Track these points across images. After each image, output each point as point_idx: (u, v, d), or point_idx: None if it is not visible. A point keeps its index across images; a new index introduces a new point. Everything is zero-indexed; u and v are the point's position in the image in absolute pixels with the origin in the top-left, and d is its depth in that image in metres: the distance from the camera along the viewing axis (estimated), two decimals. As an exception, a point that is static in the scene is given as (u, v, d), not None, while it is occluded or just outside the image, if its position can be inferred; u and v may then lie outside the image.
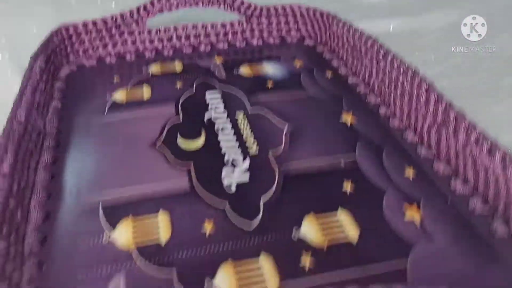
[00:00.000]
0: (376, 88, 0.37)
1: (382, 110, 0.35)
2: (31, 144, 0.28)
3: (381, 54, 0.35)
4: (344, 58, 0.42)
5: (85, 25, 0.41)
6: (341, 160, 0.30)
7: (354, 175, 0.28)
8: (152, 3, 0.41)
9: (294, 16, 0.45)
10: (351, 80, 0.39)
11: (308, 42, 0.46)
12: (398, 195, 0.27)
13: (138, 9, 0.42)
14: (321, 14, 0.44)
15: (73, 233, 0.25)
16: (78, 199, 0.27)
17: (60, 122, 0.33)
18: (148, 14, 0.42)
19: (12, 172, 0.24)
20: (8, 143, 0.25)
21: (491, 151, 0.25)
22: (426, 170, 0.29)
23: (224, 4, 0.43)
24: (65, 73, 0.40)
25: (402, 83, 0.33)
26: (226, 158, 0.30)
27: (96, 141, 0.31)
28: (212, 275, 0.22)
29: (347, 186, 0.28)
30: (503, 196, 0.25)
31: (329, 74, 0.40)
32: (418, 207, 0.26)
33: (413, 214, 0.26)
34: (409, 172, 0.29)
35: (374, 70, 0.37)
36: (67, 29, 0.40)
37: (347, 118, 0.34)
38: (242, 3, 0.44)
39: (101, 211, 0.26)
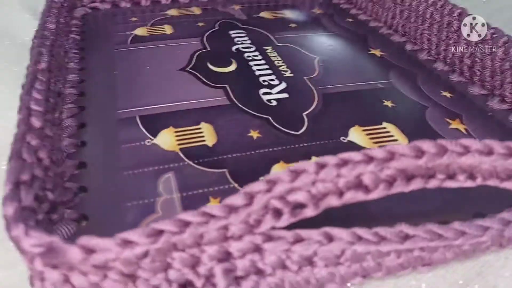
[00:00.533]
0: (400, 28, 0.36)
1: (409, 46, 0.35)
2: (60, 58, 0.27)
3: (407, -9, 0.35)
4: (363, 6, 0.41)
5: (100, -35, 0.40)
6: (377, 85, 0.29)
7: (393, 95, 0.28)
8: None
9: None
10: (372, 24, 0.39)
11: (324, -5, 0.46)
12: (440, 110, 0.27)
13: (154, -48, 0.41)
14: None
15: (112, 139, 0.23)
16: (112, 111, 0.25)
17: (81, 51, 0.32)
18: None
19: (48, 69, 0.22)
20: (43, 44, 0.23)
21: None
22: (462, 93, 0.29)
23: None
24: (79, 14, 0.38)
25: (431, 14, 0.32)
26: (261, 79, 0.29)
27: (123, 65, 0.30)
28: (265, 174, 0.21)
29: (388, 103, 0.27)
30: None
31: (349, 19, 0.40)
32: (461, 121, 0.26)
33: (457, 126, 0.25)
34: (446, 94, 0.29)
35: (397, 10, 0.36)
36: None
37: (375, 52, 0.34)
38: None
39: (139, 121, 0.25)
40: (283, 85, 0.28)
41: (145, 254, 0.14)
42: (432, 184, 0.16)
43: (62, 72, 0.27)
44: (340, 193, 0.15)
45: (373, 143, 0.24)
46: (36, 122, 0.18)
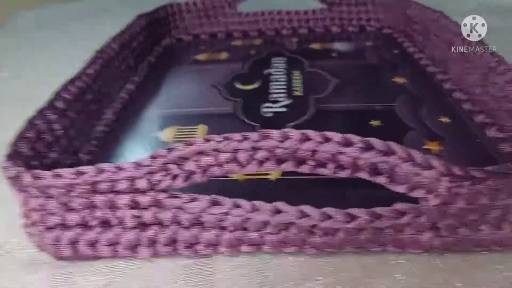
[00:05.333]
0: (435, 58, 0.37)
1: (438, 77, 0.35)
2: (119, 71, 0.35)
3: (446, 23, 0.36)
4: (415, 38, 0.42)
5: (187, 4, 0.49)
6: (375, 107, 0.31)
7: (386, 116, 0.30)
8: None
9: (374, 4, 0.48)
10: (416, 56, 0.40)
11: (386, 30, 0.47)
12: (424, 132, 0.27)
13: (231, -7, 0.48)
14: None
15: (132, 132, 0.30)
16: (143, 111, 0.32)
17: (150, 69, 0.40)
18: (239, -2, 0.48)
19: (95, 75, 0.30)
20: (98, 57, 0.32)
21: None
22: (465, 120, 0.29)
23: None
24: (165, 43, 0.47)
25: (457, 47, 0.33)
26: (271, 96, 0.33)
27: (170, 79, 0.38)
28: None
29: (375, 123, 0.29)
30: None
31: (397, 51, 0.41)
32: (440, 143, 0.26)
33: (432, 147, 0.26)
34: (444, 119, 0.29)
35: (438, 42, 0.37)
36: (171, 6, 0.48)
37: (398, 80, 0.35)
38: (324, -10, 0.47)
39: (156, 119, 0.31)
40: (288, 101, 0.32)
41: (70, 186, 0.19)
42: (304, 168, 0.18)
43: (118, 81, 0.35)
44: (220, 165, 0.19)
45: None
46: (58, 103, 0.26)
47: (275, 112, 0.31)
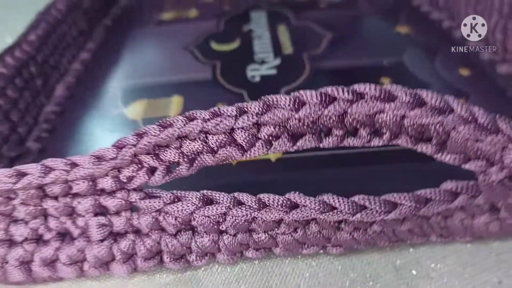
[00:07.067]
0: (439, 3, 0.32)
1: (446, 24, 0.30)
2: (69, 37, 0.29)
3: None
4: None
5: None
6: (382, 61, 0.26)
7: (396, 72, 0.25)
8: None
9: None
10: (415, 2, 0.35)
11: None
12: (444, 89, 0.23)
13: None
14: None
15: (90, 110, 0.25)
16: (103, 84, 0.27)
17: (107, 33, 0.34)
18: None
19: (39, 42, 0.24)
20: (41, 20, 0.26)
21: None
22: (488, 72, 0.25)
23: None
24: (123, 3, 0.41)
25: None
26: (256, 56, 0.28)
27: (132, 44, 0.32)
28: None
29: (385, 81, 0.24)
30: None
31: (390, -2, 0.37)
32: (465, 101, 0.22)
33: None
34: (464, 71, 0.25)
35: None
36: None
37: (402, 29, 0.30)
38: None
39: (119, 93, 0.26)
40: (276, 62, 0.27)
41: (9, 192, 0.14)
42: (328, 142, 0.14)
43: (71, 50, 0.29)
44: (213, 151, 0.14)
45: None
46: (-9, 81, 0.20)
47: (263, 76, 0.26)
